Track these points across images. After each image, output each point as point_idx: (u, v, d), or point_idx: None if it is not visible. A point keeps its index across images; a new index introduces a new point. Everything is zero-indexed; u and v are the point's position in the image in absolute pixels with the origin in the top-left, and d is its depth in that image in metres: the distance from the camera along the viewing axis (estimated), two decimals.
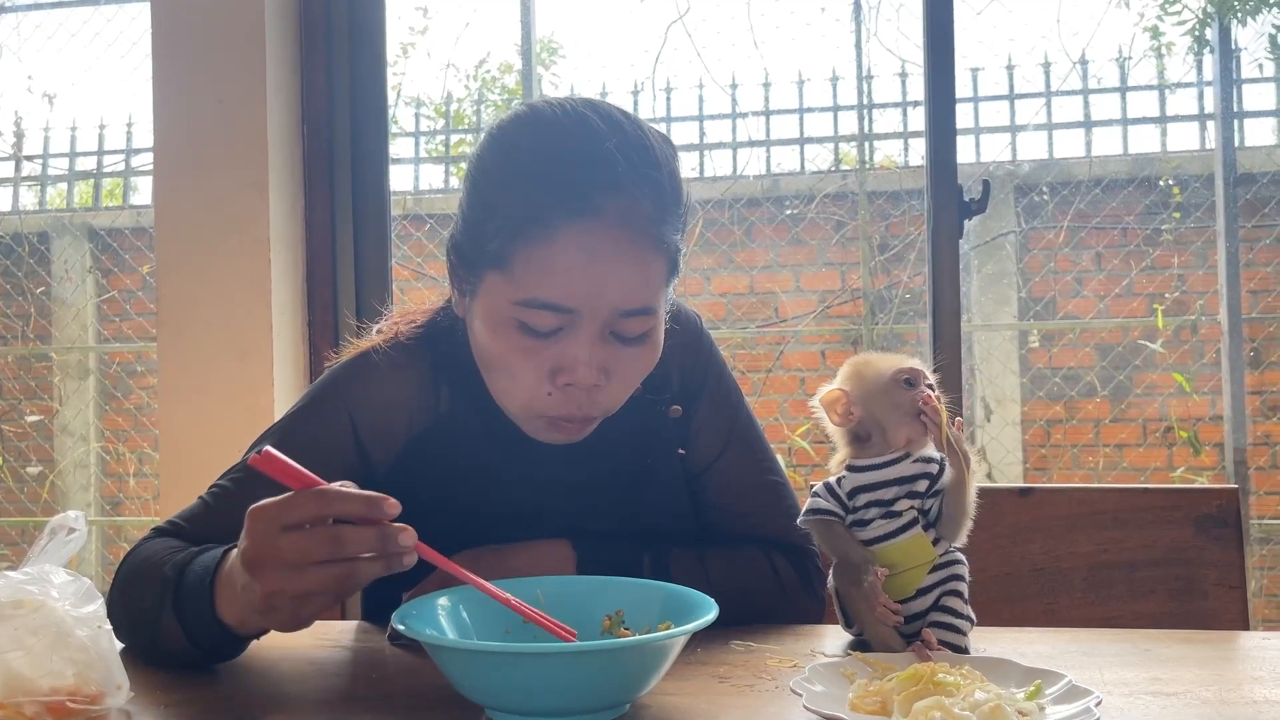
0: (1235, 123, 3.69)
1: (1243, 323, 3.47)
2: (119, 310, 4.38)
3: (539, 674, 0.74)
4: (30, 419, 4.33)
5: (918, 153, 3.96)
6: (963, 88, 3.84)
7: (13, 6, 3.99)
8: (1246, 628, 1.29)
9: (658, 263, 0.96)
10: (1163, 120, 3.95)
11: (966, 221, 2.06)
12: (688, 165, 4.00)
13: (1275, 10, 3.44)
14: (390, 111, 2.27)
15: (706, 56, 4.57)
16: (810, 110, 4.01)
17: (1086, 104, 3.94)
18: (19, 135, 4.53)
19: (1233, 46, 3.58)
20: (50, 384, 4.42)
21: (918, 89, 3.74)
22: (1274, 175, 3.75)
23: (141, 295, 4.29)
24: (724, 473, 1.13)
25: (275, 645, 0.96)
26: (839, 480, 0.96)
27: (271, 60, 2.11)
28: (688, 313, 1.15)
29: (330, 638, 1.03)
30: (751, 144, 4.06)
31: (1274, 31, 3.47)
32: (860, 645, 0.94)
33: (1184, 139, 4.06)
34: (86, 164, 4.62)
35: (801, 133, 4.04)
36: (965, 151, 3.91)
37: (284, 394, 2.09)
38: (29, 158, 4.62)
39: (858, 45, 3.76)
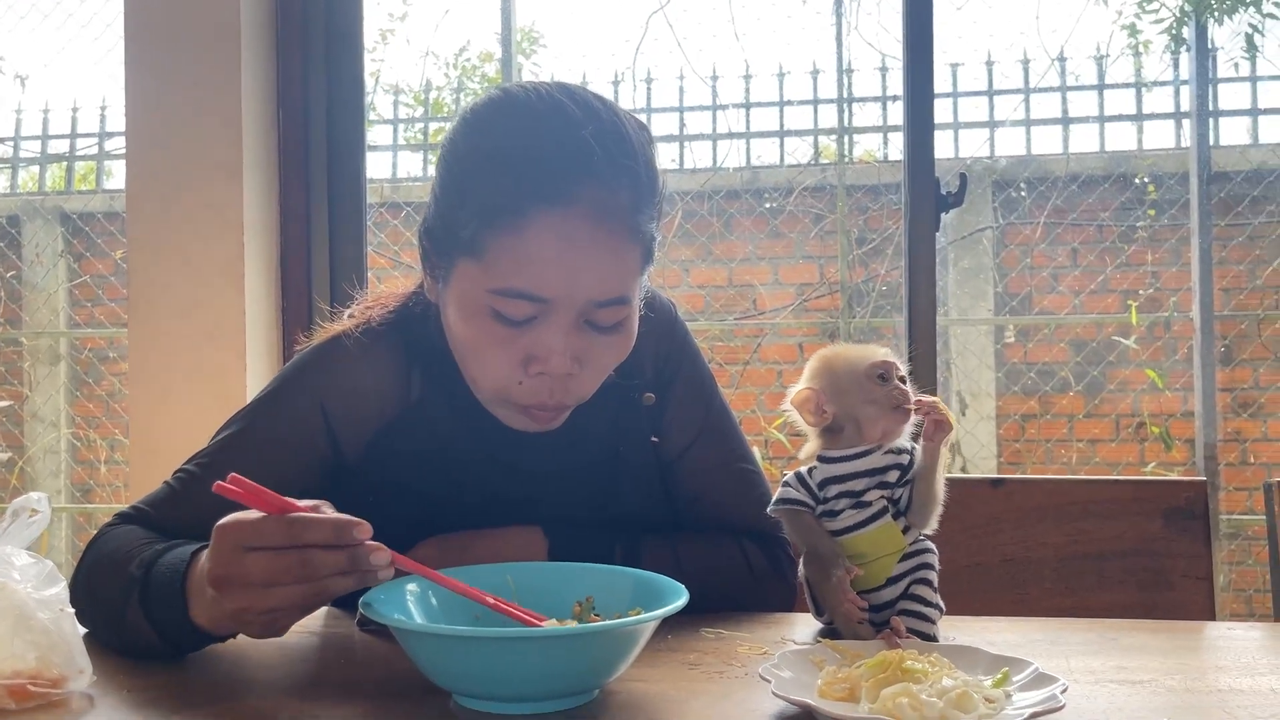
0: (1210, 121, 3.73)
1: (1215, 320, 3.50)
2: (91, 295, 4.33)
3: (507, 659, 0.74)
4: (0, 404, 4.28)
5: (896, 147, 3.97)
6: (942, 83, 3.85)
7: None
8: (1213, 619, 1.30)
9: (633, 252, 0.96)
10: (1139, 118, 3.98)
11: (944, 216, 2.07)
12: (667, 157, 4.00)
13: (1252, 9, 3.47)
14: (368, 98, 2.26)
15: (687, 47, 4.58)
16: (790, 103, 4.02)
17: (1064, 101, 3.97)
18: None
19: (1209, 45, 3.61)
20: (20, 369, 4.37)
21: (897, 83, 3.74)
22: (1248, 174, 3.79)
23: (114, 280, 4.24)
24: (696, 461, 1.13)
25: None
26: (810, 471, 0.96)
27: (247, 44, 2.08)
28: (663, 301, 1.15)
29: (298, 623, 1.02)
30: (731, 136, 4.06)
31: (1250, 30, 3.50)
32: (830, 633, 0.94)
33: (1160, 137, 4.10)
34: (59, 147, 4.56)
35: (781, 125, 4.05)
36: (944, 146, 3.93)
37: (256, 381, 2.07)
38: (0, 140, 4.56)
39: (838, 39, 3.77)
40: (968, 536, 1.32)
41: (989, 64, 3.93)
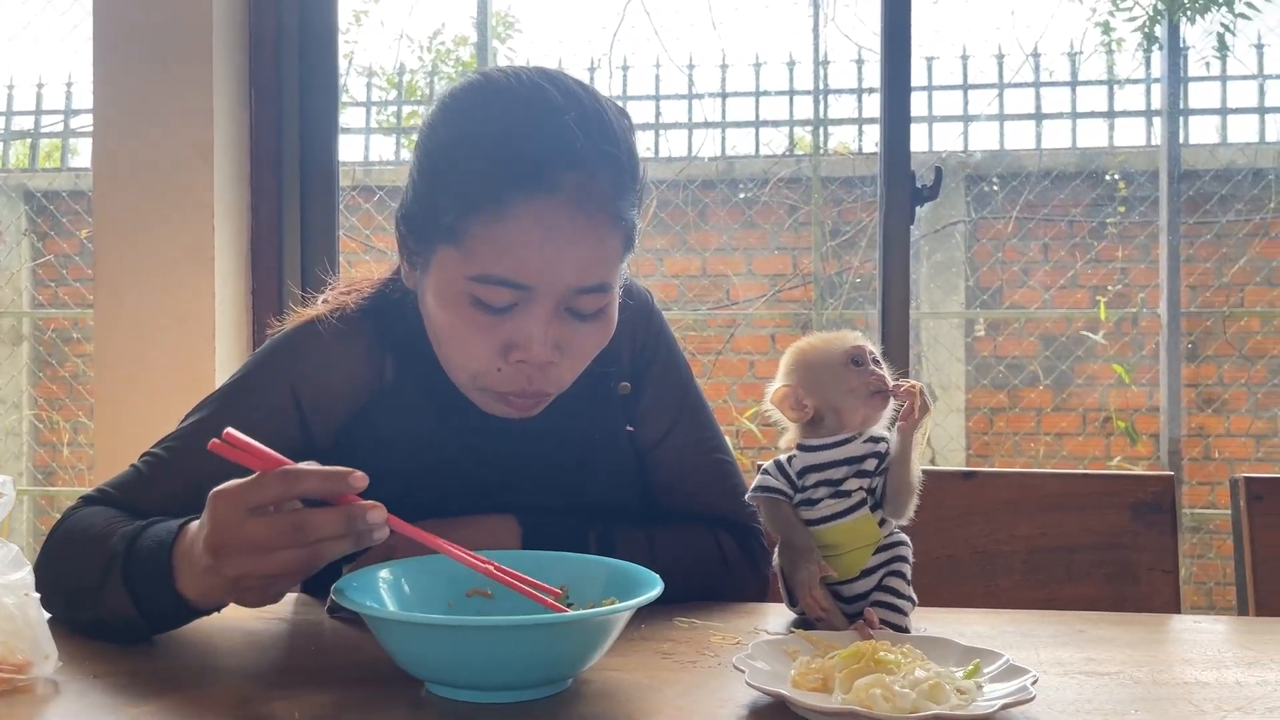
0: (1181, 120, 3.77)
1: (1181, 316, 3.55)
2: (54, 275, 4.26)
3: (480, 647, 0.73)
4: None
5: (871, 139, 3.98)
6: (917, 76, 3.86)
7: None
8: (1178, 612, 1.32)
9: (614, 239, 0.95)
10: (1111, 115, 4.02)
11: (918, 209, 2.08)
12: (643, 145, 3.99)
13: (1224, 9, 3.50)
14: (341, 80, 2.23)
15: (664, 35, 4.57)
16: (766, 94, 4.02)
17: (1038, 96, 4.00)
18: None
19: (1181, 44, 3.65)
20: None
21: (873, 76, 3.76)
22: (1216, 172, 3.83)
23: (78, 260, 4.17)
24: (672, 450, 1.12)
25: (210, 617, 0.94)
26: (790, 459, 0.96)
27: (218, 21, 2.05)
28: (639, 289, 1.14)
29: (267, 609, 1.00)
30: (707, 125, 4.05)
31: (1222, 30, 3.54)
32: (803, 623, 0.94)
33: (1131, 134, 4.14)
34: (23, 124, 4.48)
35: (757, 116, 4.05)
36: (918, 140, 3.94)
37: (225, 364, 2.05)
38: None
39: (815, 30, 3.78)
40: (939, 528, 1.33)
41: (964, 58, 3.95)
